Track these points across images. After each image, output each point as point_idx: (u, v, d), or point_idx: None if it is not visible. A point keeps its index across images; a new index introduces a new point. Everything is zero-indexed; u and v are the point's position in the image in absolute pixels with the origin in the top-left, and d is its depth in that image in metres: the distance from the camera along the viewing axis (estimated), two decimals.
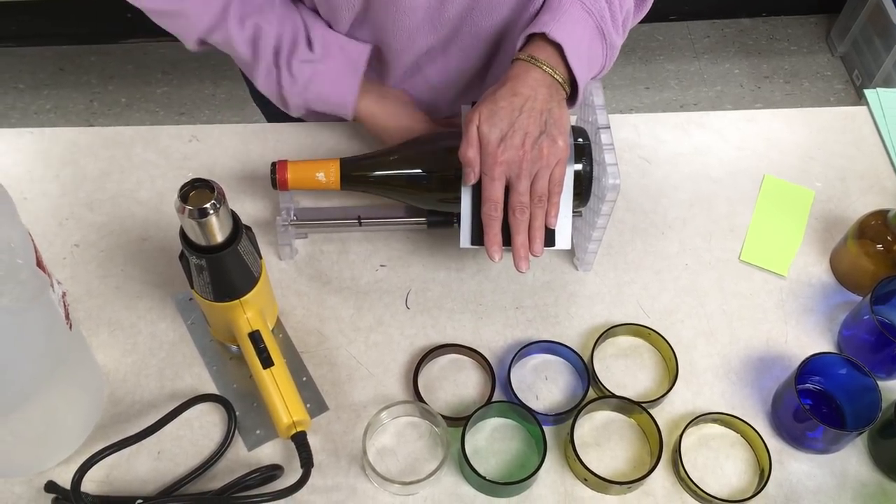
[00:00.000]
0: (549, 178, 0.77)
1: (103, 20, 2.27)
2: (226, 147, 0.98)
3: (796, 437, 0.80)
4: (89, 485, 0.74)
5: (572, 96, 0.80)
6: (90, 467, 0.69)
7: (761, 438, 0.78)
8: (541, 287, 0.89)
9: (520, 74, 0.77)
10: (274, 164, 0.83)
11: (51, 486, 0.73)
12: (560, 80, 0.78)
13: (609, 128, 0.81)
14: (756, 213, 0.96)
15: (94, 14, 2.25)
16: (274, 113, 1.12)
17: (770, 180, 0.99)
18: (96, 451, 0.70)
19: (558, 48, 0.78)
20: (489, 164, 0.76)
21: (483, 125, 0.75)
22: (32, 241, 0.63)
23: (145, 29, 2.37)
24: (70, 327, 0.69)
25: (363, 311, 0.87)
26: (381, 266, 0.90)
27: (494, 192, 0.76)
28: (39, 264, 0.63)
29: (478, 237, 0.79)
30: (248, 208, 0.93)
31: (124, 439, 0.72)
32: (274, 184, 0.83)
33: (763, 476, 0.77)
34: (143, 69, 2.29)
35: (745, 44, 2.46)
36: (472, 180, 0.77)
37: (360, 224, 0.88)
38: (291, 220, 0.87)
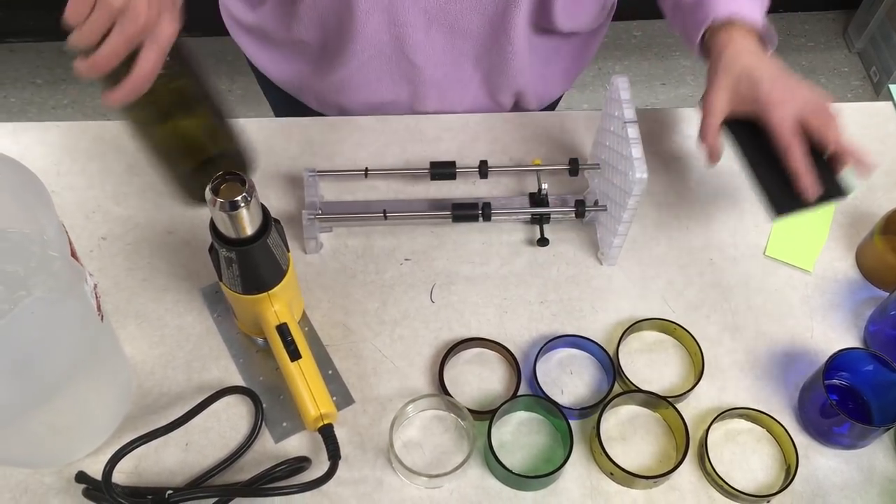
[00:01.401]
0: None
1: None
2: (251, 141, 0.98)
3: (823, 433, 0.79)
4: (118, 475, 0.74)
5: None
6: (121, 458, 0.70)
7: (788, 434, 0.78)
8: (565, 281, 0.89)
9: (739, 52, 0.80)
10: None
11: (81, 477, 0.73)
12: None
13: (636, 122, 0.80)
14: None
15: None
16: (282, 105, 1.13)
17: None
18: (125, 442, 0.71)
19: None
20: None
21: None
22: (67, 233, 0.63)
23: None
24: (101, 319, 0.70)
25: (388, 305, 0.87)
26: (406, 260, 0.90)
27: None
28: (73, 256, 0.63)
29: (788, 200, 0.79)
30: (273, 202, 0.93)
31: (153, 431, 0.73)
32: None
33: (790, 471, 0.77)
34: None
35: None
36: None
37: (386, 218, 0.88)
38: (317, 214, 0.87)
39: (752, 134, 0.83)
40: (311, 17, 0.93)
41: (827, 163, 0.80)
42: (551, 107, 1.17)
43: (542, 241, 0.90)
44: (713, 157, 0.82)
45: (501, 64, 0.97)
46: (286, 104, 1.11)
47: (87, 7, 0.65)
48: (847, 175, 0.81)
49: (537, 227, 0.91)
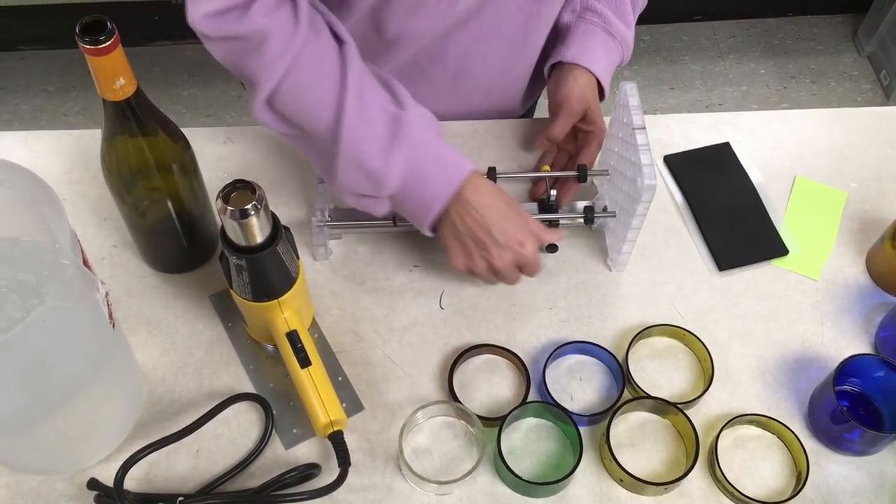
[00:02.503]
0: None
1: (131, 23, 2.29)
2: (260, 149, 0.98)
3: (833, 439, 0.79)
4: (129, 482, 0.75)
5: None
6: (132, 465, 0.70)
7: (798, 440, 0.78)
8: (574, 288, 0.89)
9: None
10: None
11: (93, 484, 0.74)
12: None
13: (644, 129, 0.80)
14: (787, 215, 0.96)
15: (122, 17, 2.27)
16: None
17: (801, 182, 0.99)
18: (137, 449, 0.72)
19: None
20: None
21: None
22: (79, 241, 0.64)
23: (172, 32, 2.40)
24: (113, 326, 0.70)
25: (397, 312, 0.87)
26: (415, 266, 0.90)
27: None
28: (85, 264, 0.64)
29: (730, 256, 0.92)
30: (282, 209, 0.94)
31: (165, 438, 0.73)
32: None
33: (800, 478, 0.77)
34: (170, 71, 2.31)
35: (771, 43, 2.44)
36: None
37: (395, 224, 0.88)
38: (326, 221, 0.87)
39: (703, 198, 0.96)
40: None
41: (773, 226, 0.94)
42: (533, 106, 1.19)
43: (551, 248, 0.90)
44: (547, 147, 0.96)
45: (512, 83, 1.00)
46: None
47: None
48: (787, 236, 0.93)
49: None
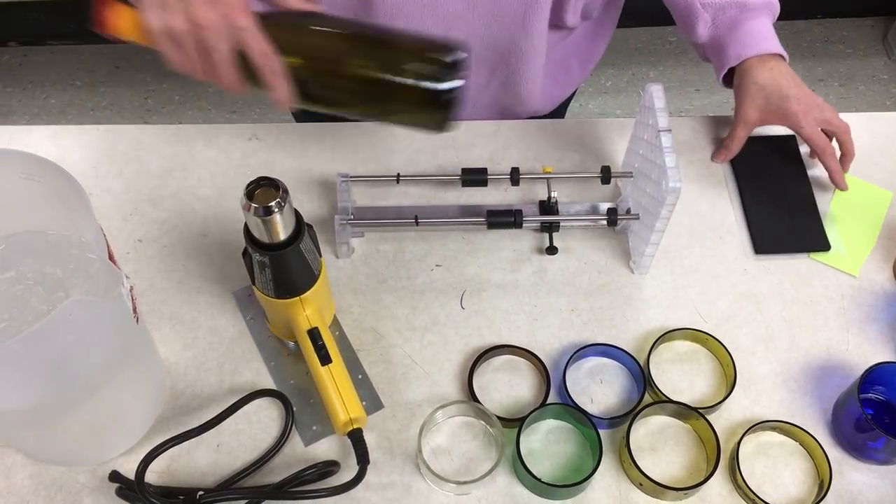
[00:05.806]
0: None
1: None
2: (285, 146, 0.99)
3: (857, 448, 0.78)
4: (150, 475, 0.75)
5: None
6: (154, 458, 0.71)
7: (821, 448, 0.77)
8: (596, 290, 0.89)
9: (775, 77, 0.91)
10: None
11: (115, 476, 0.74)
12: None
13: (670, 131, 0.80)
14: (831, 208, 0.95)
15: None
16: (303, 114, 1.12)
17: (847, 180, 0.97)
18: (158, 442, 0.72)
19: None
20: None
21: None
22: (104, 236, 0.64)
23: None
24: (137, 321, 0.71)
25: (418, 311, 0.87)
26: (437, 266, 0.90)
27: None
28: (111, 258, 0.64)
29: (771, 241, 0.92)
30: (306, 206, 0.94)
31: (186, 432, 0.74)
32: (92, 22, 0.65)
33: (823, 486, 0.76)
34: None
35: (800, 46, 2.42)
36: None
37: (417, 224, 0.88)
38: (349, 219, 0.88)
39: (756, 182, 0.97)
40: None
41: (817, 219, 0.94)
42: (563, 107, 1.18)
43: (551, 250, 0.89)
44: (723, 159, 0.98)
45: (518, 68, 0.98)
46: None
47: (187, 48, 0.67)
48: (831, 231, 0.93)
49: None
